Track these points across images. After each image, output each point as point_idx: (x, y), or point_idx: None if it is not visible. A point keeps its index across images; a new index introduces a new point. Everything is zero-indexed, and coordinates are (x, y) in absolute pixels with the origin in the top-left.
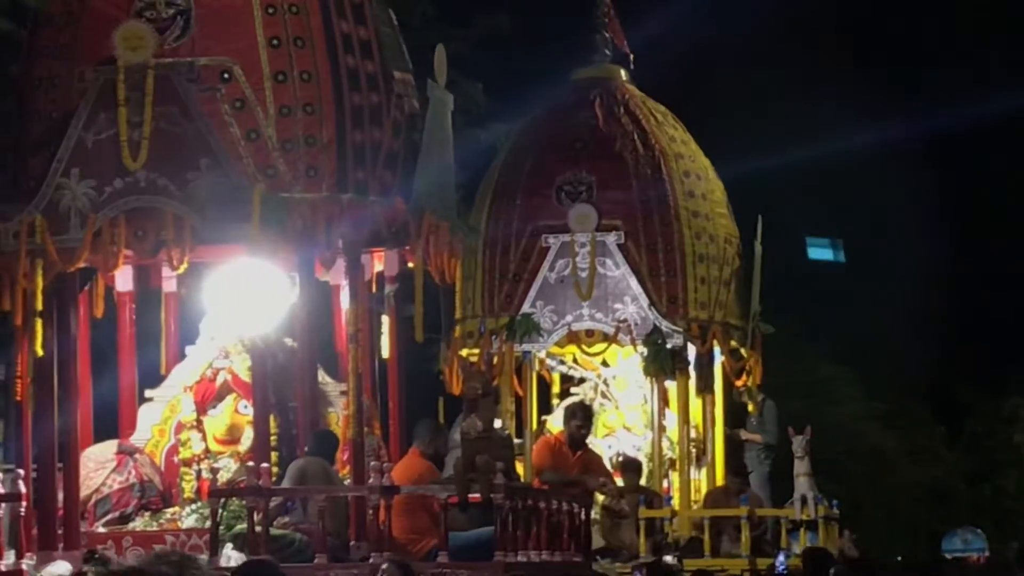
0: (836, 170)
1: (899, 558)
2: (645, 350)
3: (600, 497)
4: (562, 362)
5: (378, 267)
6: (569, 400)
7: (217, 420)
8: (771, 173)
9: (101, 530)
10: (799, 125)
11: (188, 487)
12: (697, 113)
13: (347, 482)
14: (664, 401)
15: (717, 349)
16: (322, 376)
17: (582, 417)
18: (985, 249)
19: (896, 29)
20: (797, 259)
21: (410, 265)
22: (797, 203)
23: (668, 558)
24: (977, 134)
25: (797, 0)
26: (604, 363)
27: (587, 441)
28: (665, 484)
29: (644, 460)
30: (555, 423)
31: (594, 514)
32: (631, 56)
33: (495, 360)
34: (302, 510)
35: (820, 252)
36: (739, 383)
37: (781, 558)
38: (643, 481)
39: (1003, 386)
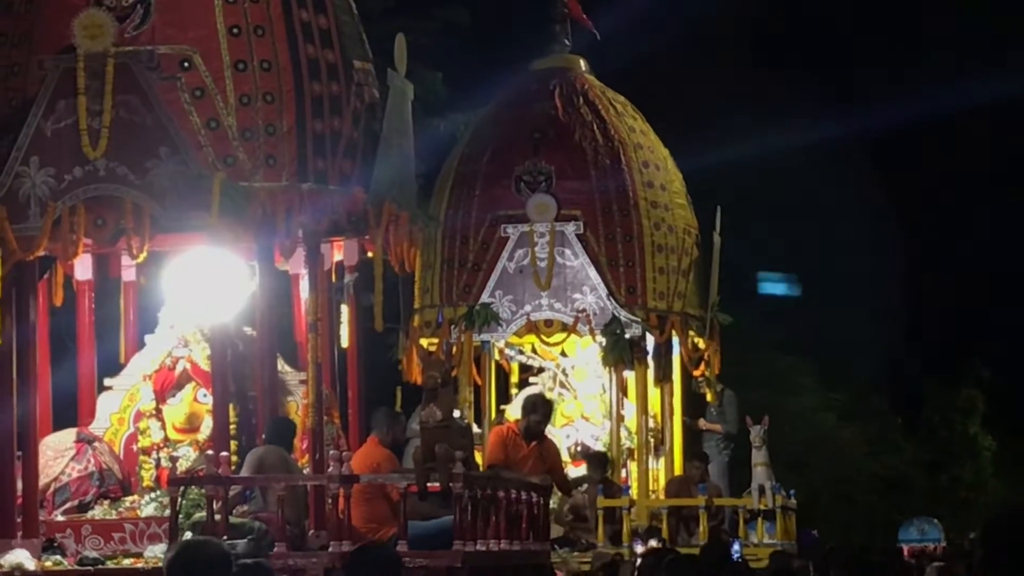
0: (782, 168)
1: (855, 547)
2: (604, 340)
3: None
4: (521, 352)
5: (338, 256)
6: (529, 391)
7: (176, 409)
8: (721, 170)
9: (60, 518)
10: (740, 126)
11: (147, 475)
12: (653, 106)
13: (306, 471)
14: (622, 391)
15: (675, 339)
16: (281, 365)
17: (543, 413)
18: (940, 242)
19: (835, 28)
20: (754, 256)
21: (369, 254)
22: (747, 202)
23: (653, 542)
24: (920, 130)
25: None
26: (563, 353)
27: (545, 431)
28: (623, 474)
29: (602, 449)
30: (514, 412)
31: (552, 503)
32: (596, 35)
33: (454, 349)
34: (262, 499)
35: (774, 287)
36: (697, 373)
37: (736, 547)
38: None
39: (959, 377)
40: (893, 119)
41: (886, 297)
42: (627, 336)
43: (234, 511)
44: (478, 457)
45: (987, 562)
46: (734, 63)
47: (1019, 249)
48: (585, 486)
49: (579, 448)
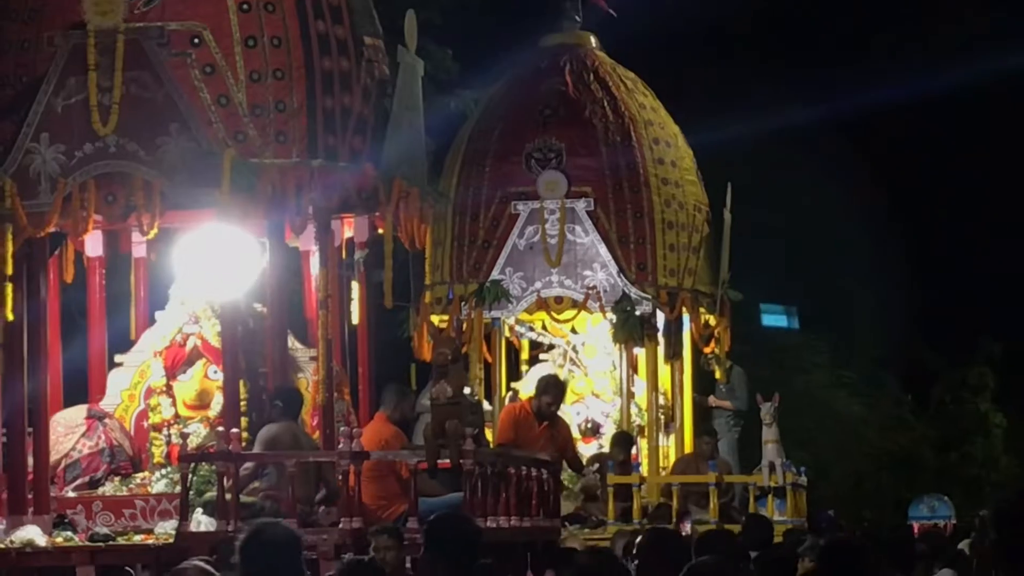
0: (787, 147)
1: (865, 524)
2: (614, 317)
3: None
4: (531, 329)
5: (348, 233)
6: (544, 371)
7: (187, 385)
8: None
9: (71, 495)
10: (750, 104)
11: (158, 452)
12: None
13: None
14: (633, 368)
15: (686, 316)
16: (292, 342)
17: (554, 395)
18: (951, 217)
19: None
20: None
21: (380, 231)
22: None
23: (687, 526)
24: (924, 104)
25: None
26: (573, 330)
27: (557, 412)
28: (634, 451)
29: (612, 426)
30: (525, 390)
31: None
32: (613, 14)
33: (464, 326)
34: (276, 475)
35: (774, 319)
36: (707, 350)
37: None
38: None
39: (970, 354)
40: (894, 94)
41: (895, 274)
42: (637, 313)
43: (247, 488)
44: (489, 435)
45: (1000, 545)
46: (743, 40)
47: None
48: (597, 465)
49: (589, 425)
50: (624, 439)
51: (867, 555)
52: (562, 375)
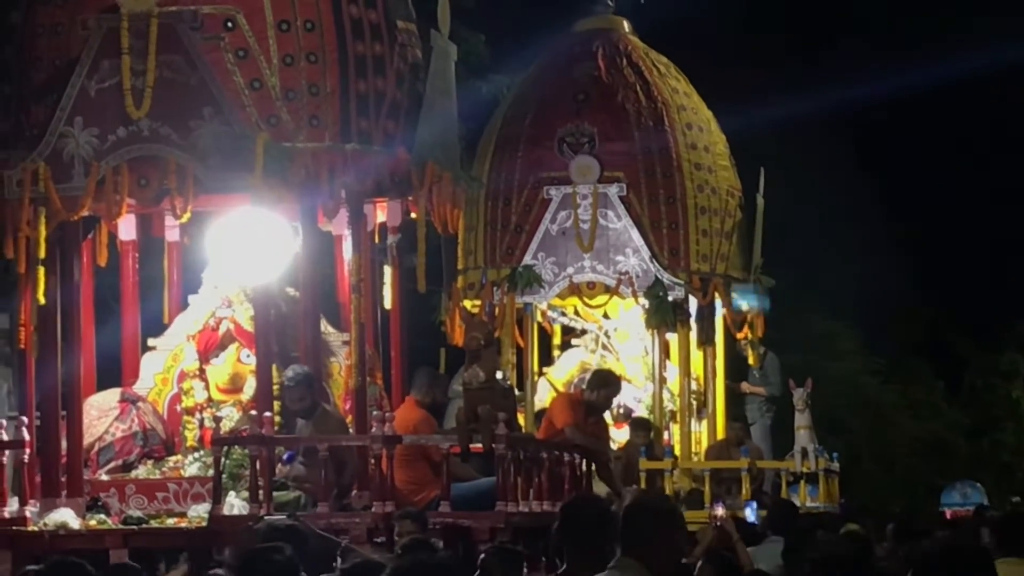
0: (819, 130)
1: (897, 511)
2: (646, 302)
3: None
4: (563, 314)
5: (381, 217)
6: (576, 356)
7: (220, 369)
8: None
9: (104, 478)
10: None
11: (191, 435)
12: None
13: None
14: (665, 353)
15: (718, 301)
16: (324, 326)
17: (612, 390)
18: (985, 203)
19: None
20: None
21: (413, 215)
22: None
23: (719, 510)
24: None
25: None
26: (605, 315)
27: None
28: (666, 436)
29: (645, 412)
30: (557, 375)
31: None
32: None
33: (496, 311)
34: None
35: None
36: (740, 336)
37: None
38: None
39: (1002, 341)
40: (914, 78)
41: (926, 260)
42: (670, 298)
43: (277, 471)
44: (520, 419)
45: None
46: (772, 27)
47: None
48: (634, 487)
49: (621, 411)
50: (641, 423)
51: None
52: (594, 360)
